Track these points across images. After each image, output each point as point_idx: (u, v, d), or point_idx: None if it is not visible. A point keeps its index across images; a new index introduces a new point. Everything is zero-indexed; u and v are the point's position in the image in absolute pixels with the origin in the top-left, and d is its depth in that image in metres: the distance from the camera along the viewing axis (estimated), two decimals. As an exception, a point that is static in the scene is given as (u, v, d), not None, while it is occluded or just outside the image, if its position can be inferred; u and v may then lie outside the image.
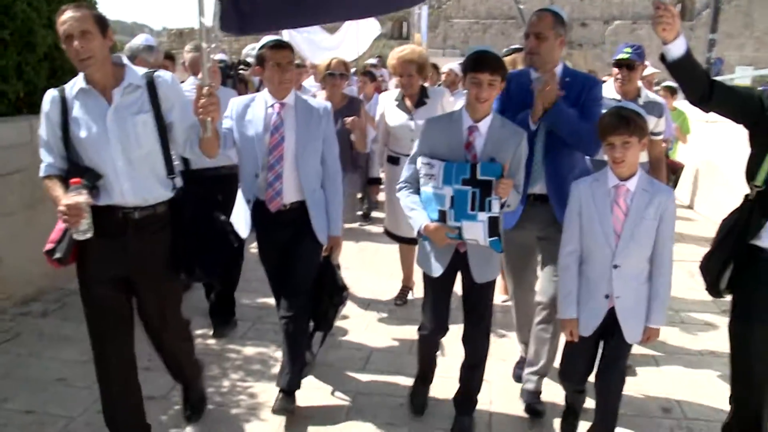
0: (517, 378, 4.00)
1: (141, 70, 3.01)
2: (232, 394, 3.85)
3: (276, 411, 3.55)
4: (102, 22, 2.80)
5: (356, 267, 6.23)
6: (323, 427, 3.55)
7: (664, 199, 2.89)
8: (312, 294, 3.69)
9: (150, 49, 4.97)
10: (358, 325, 4.95)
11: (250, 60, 6.38)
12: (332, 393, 3.90)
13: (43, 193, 2.97)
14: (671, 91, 8.09)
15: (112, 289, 2.99)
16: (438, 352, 3.62)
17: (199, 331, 4.68)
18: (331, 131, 3.71)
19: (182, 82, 4.30)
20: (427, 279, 3.37)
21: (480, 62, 3.02)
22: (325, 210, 3.69)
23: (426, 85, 5.19)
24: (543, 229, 3.56)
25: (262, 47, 3.56)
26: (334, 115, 3.81)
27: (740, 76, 15.75)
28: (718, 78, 3.95)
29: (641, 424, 3.63)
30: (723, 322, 4.52)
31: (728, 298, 3.00)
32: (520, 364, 4.04)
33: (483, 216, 3.01)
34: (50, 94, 2.91)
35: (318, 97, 4.91)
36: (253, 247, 3.91)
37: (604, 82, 4.23)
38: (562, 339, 3.26)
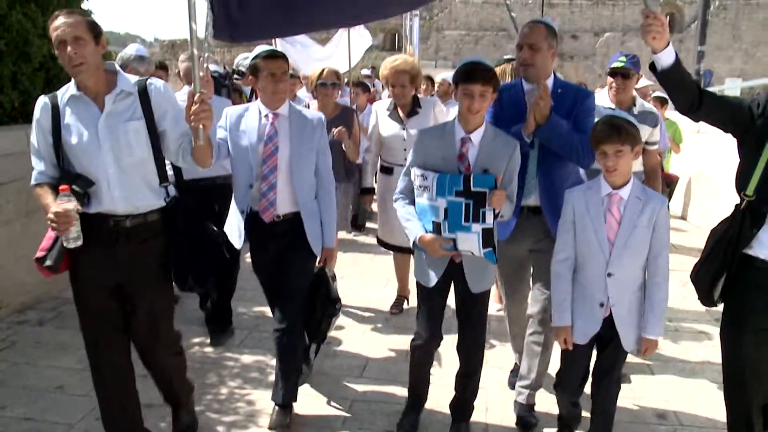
0: (512, 386, 4.02)
1: (133, 78, 2.99)
2: (230, 402, 3.86)
3: (273, 427, 3.55)
4: (95, 29, 2.80)
5: (351, 276, 6.25)
6: (320, 434, 3.56)
7: (657, 207, 2.90)
8: (306, 305, 3.68)
9: (141, 59, 4.98)
10: (354, 334, 4.96)
11: (242, 69, 6.40)
12: (328, 401, 3.91)
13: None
14: (661, 102, 8.16)
15: (106, 298, 2.98)
16: (432, 369, 3.58)
17: (196, 340, 4.71)
18: (325, 142, 3.70)
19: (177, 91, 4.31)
20: (422, 289, 3.37)
21: (471, 73, 3.03)
22: (319, 221, 3.67)
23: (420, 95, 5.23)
24: (536, 241, 3.56)
25: (255, 57, 3.55)
26: (326, 125, 3.80)
27: (730, 87, 15.92)
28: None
29: (637, 430, 3.66)
30: (716, 330, 4.54)
31: (721, 306, 3.01)
32: (515, 372, 4.07)
33: (477, 227, 3.01)
34: (41, 101, 2.90)
35: (311, 107, 4.93)
36: (249, 257, 3.92)
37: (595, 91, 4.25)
38: (556, 350, 3.27)
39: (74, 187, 2.76)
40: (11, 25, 5.17)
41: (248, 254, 3.88)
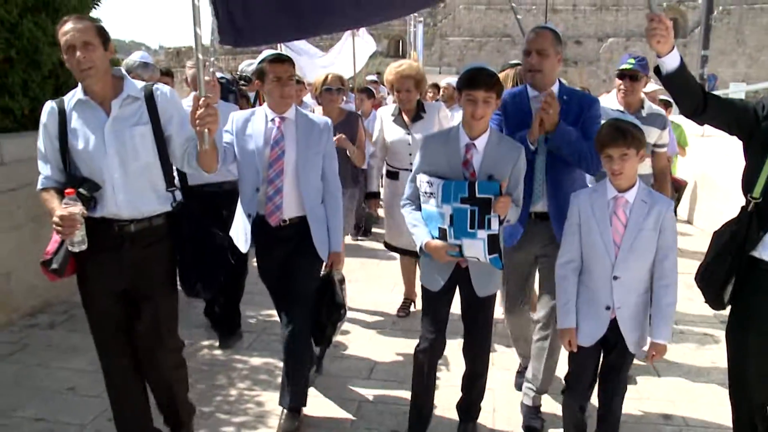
0: (519, 386, 4.05)
1: (140, 83, 3.02)
2: (240, 403, 3.90)
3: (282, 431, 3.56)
4: (103, 35, 2.82)
5: (359, 280, 6.29)
6: (329, 435, 3.59)
7: (663, 210, 2.89)
8: (313, 309, 3.68)
9: (145, 65, 5.02)
10: (362, 337, 5.00)
11: (247, 75, 6.47)
12: (337, 402, 3.95)
13: (49, 207, 2.98)
14: (665, 105, 8.18)
15: (113, 302, 3.01)
16: (439, 373, 3.56)
17: (205, 343, 4.76)
18: (331, 146, 3.71)
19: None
20: (427, 293, 3.38)
21: (475, 80, 3.02)
22: (326, 225, 3.67)
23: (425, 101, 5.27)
24: (543, 247, 3.55)
25: (262, 61, 3.55)
26: None
27: (734, 91, 15.96)
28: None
29: (642, 431, 3.69)
30: (722, 333, 4.56)
31: (728, 308, 3.00)
32: (521, 373, 4.10)
33: (482, 234, 3.01)
34: (48, 106, 2.92)
35: (315, 113, 4.97)
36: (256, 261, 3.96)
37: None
38: (564, 354, 3.27)
39: (81, 190, 2.77)
40: (22, 33, 5.24)
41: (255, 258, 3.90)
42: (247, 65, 6.47)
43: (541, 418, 3.70)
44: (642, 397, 4.05)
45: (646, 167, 4.36)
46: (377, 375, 4.34)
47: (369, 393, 4.07)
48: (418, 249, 3.25)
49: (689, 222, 9.36)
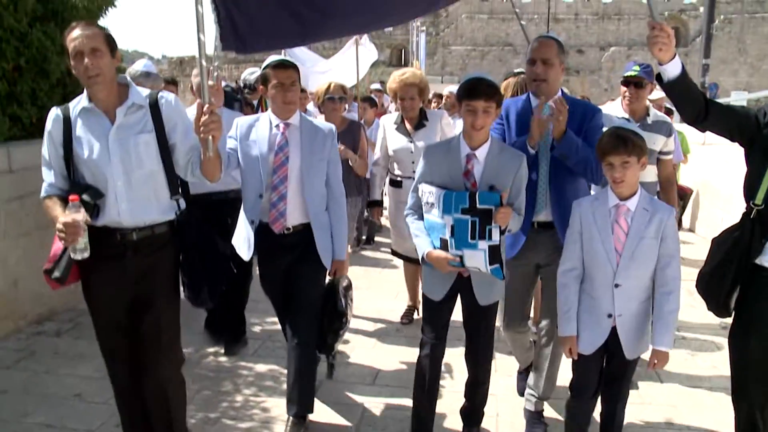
0: (520, 390, 4.09)
1: (145, 91, 3.01)
2: (246, 409, 3.93)
3: None
4: (111, 42, 2.83)
5: (362, 288, 6.32)
6: (334, 440, 3.62)
7: (665, 218, 2.90)
8: (317, 317, 3.67)
9: (147, 75, 5.03)
10: (366, 344, 5.04)
11: (250, 83, 6.53)
12: (342, 408, 3.97)
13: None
14: (667, 112, 8.22)
15: (118, 309, 2.99)
16: (442, 382, 3.56)
17: (210, 350, 4.80)
18: (335, 153, 3.70)
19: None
20: (428, 301, 3.38)
21: (474, 90, 3.02)
22: (330, 233, 3.66)
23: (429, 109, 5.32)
24: (546, 256, 3.53)
25: (265, 67, 3.56)
26: None
27: (736, 100, 16.01)
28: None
29: (645, 433, 3.72)
30: (723, 339, 4.60)
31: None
32: (522, 375, 4.14)
33: (483, 244, 3.01)
34: (53, 113, 2.92)
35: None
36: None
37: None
38: (568, 362, 3.27)
39: (84, 197, 2.76)
40: (31, 43, 5.30)
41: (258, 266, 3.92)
42: (250, 74, 6.52)
43: (544, 423, 3.72)
44: (644, 402, 4.08)
45: (651, 175, 4.38)
46: (381, 381, 4.37)
47: (373, 399, 4.10)
48: (420, 259, 3.27)
49: (691, 230, 9.38)
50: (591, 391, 3.18)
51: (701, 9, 29.25)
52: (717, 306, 2.96)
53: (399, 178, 5.24)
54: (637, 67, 4.28)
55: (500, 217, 2.98)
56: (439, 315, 3.38)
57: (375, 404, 4.03)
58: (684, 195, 8.74)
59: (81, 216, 2.65)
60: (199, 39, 2.79)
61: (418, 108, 5.09)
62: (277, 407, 3.90)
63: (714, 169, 8.84)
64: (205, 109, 2.71)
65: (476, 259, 3.06)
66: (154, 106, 2.94)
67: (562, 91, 3.58)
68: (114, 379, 3.15)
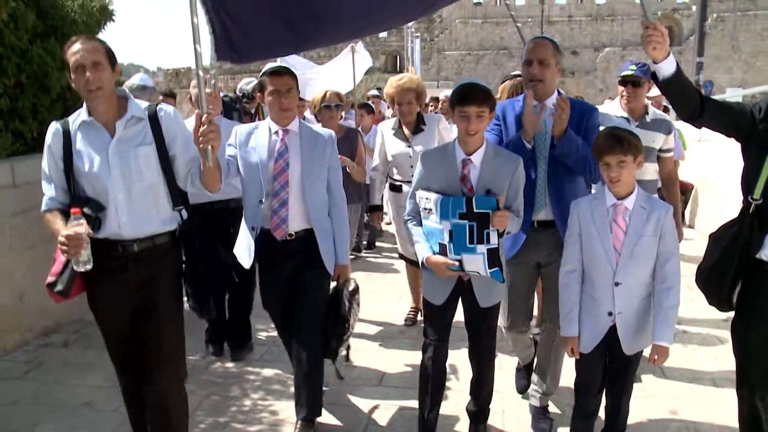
0: (520, 387, 4.14)
1: (143, 103, 3.02)
2: (254, 413, 3.98)
3: None
4: (111, 55, 2.85)
5: (365, 292, 6.27)
6: (342, 440, 3.66)
7: (662, 215, 2.92)
8: (322, 322, 3.68)
9: (143, 89, 5.07)
10: (370, 346, 5.08)
11: (246, 92, 6.59)
12: (349, 408, 4.03)
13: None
14: (664, 110, 8.26)
15: (124, 320, 3.01)
16: (447, 382, 3.57)
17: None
18: (336, 159, 3.71)
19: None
20: (430, 306, 3.40)
21: (466, 96, 3.04)
22: (332, 238, 3.67)
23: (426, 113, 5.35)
24: (548, 255, 3.54)
25: (263, 74, 3.58)
26: None
27: (731, 96, 16.09)
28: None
29: (649, 425, 3.77)
30: (725, 332, 4.65)
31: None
32: (521, 372, 4.19)
33: (482, 248, 3.03)
34: (53, 127, 2.93)
35: (315, 128, 5.03)
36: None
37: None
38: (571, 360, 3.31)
39: (85, 210, 2.77)
40: (32, 59, 5.37)
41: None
42: (246, 83, 6.58)
43: (549, 419, 3.77)
44: (648, 395, 4.12)
45: (651, 173, 4.41)
46: (387, 381, 4.42)
47: (380, 399, 4.14)
48: (420, 264, 3.29)
49: (690, 226, 9.42)
50: (595, 389, 3.20)
51: (694, 8, 29.40)
52: (718, 301, 2.98)
53: (398, 183, 5.28)
54: (633, 67, 4.31)
55: (497, 221, 3.00)
56: (441, 318, 3.41)
57: (382, 405, 4.07)
58: (685, 190, 8.79)
59: (83, 228, 2.66)
60: (195, 50, 2.79)
61: (416, 113, 5.12)
62: (286, 410, 3.94)
63: (711, 166, 8.89)
64: (203, 119, 2.71)
65: (475, 263, 3.09)
66: (154, 119, 2.96)
67: (558, 91, 3.59)
68: (125, 388, 3.18)
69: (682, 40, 44.45)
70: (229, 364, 4.72)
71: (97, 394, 4.16)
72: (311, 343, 3.59)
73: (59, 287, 2.87)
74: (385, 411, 3.99)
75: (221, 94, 5.26)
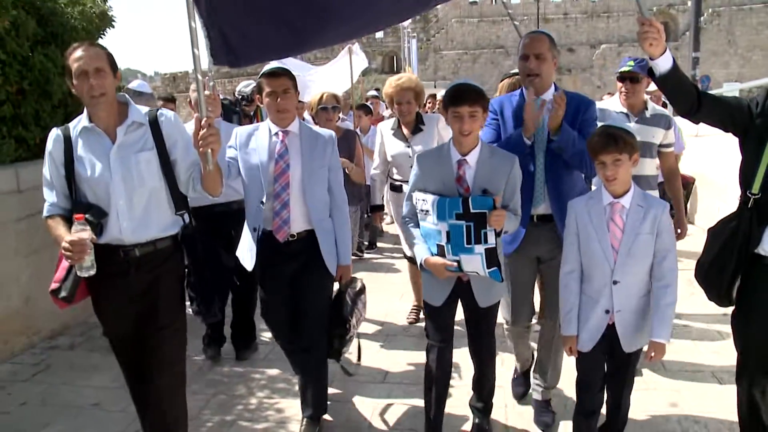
0: (517, 395, 4.12)
1: (144, 109, 3.03)
2: (260, 410, 4.03)
3: None
4: (113, 62, 2.87)
5: (368, 290, 6.38)
6: (347, 436, 3.71)
7: (659, 213, 2.92)
8: (325, 323, 3.71)
9: (140, 94, 5.09)
10: (374, 344, 5.13)
11: (245, 94, 6.64)
12: (354, 404, 4.08)
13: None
14: (662, 105, 8.28)
15: (128, 324, 3.02)
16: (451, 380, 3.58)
17: (222, 355, 4.87)
18: (336, 160, 3.71)
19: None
20: (430, 307, 3.41)
21: (458, 96, 3.05)
22: (334, 239, 3.67)
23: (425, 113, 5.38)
24: (549, 250, 3.55)
25: (261, 76, 3.58)
26: None
27: (728, 90, 16.10)
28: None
29: (650, 417, 3.81)
30: (724, 326, 4.68)
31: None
32: (517, 381, 4.18)
33: (480, 248, 3.03)
34: (54, 133, 2.94)
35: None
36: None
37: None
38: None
39: (87, 216, 2.77)
40: (34, 66, 5.43)
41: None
42: (245, 86, 6.62)
43: (552, 412, 3.81)
44: (649, 388, 4.17)
45: (651, 168, 4.41)
46: (392, 377, 4.47)
47: (384, 397, 4.19)
48: (418, 265, 3.31)
49: (690, 222, 9.44)
50: (596, 387, 3.22)
51: (689, 3, 29.46)
52: (718, 297, 3.00)
53: (399, 183, 5.31)
54: (631, 62, 4.33)
55: (494, 220, 3.01)
56: (442, 319, 3.43)
57: (386, 402, 4.12)
58: (686, 184, 8.80)
59: (87, 234, 2.67)
60: (194, 53, 2.81)
61: (415, 112, 5.14)
62: (291, 408, 3.99)
63: (709, 161, 8.91)
64: (203, 122, 2.73)
65: (474, 263, 3.09)
66: (154, 124, 2.98)
67: (555, 86, 3.60)
68: (132, 391, 3.19)
69: (678, 36, 44.50)
70: (234, 364, 4.77)
71: (104, 395, 4.21)
72: (316, 345, 3.63)
73: (63, 293, 2.90)
74: (389, 408, 4.04)
75: (220, 97, 5.30)
